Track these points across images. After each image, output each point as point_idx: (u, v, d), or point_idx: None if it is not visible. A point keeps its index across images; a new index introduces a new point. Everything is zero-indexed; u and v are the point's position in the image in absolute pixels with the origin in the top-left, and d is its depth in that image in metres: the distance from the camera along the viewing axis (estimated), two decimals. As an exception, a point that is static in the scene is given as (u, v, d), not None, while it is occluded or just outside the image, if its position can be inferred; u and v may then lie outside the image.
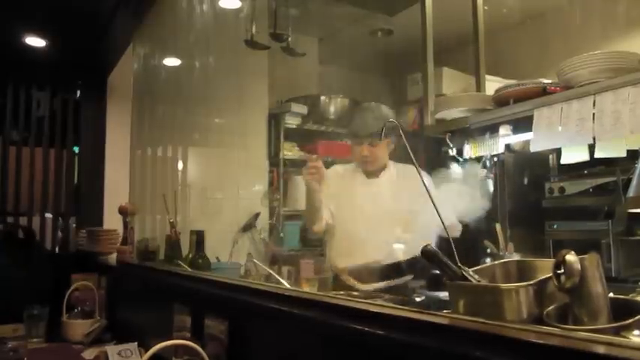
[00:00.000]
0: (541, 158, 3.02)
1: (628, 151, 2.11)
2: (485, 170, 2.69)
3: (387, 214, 2.29)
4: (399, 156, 2.47)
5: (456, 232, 2.12)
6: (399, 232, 2.24)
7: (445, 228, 1.13)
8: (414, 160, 1.27)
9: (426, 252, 0.97)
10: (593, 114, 1.87)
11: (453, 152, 2.88)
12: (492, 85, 2.89)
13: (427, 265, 1.10)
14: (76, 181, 4.20)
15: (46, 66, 3.98)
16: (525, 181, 3.05)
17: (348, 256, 2.32)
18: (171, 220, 2.42)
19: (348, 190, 2.42)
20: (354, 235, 2.30)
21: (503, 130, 2.56)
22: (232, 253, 2.83)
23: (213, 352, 1.39)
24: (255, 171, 3.84)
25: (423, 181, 1.19)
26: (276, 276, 1.94)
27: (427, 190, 1.19)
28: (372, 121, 2.28)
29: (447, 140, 2.85)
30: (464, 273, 0.96)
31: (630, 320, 0.75)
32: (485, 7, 3.08)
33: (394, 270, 2.23)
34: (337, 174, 2.46)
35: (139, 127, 3.75)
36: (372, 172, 2.41)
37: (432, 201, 1.15)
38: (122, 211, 2.83)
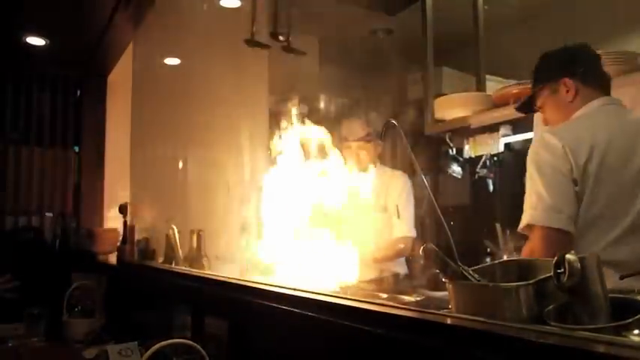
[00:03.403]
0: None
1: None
2: (485, 170, 2.70)
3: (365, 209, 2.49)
4: (389, 157, 2.58)
5: (405, 248, 2.46)
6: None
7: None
8: (414, 160, 1.27)
9: (426, 251, 0.97)
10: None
11: (452, 152, 2.89)
12: (492, 85, 2.90)
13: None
14: (76, 180, 4.21)
15: (46, 65, 3.98)
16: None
17: None
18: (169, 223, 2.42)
19: None
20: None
21: (504, 129, 2.56)
22: (233, 253, 2.83)
23: (214, 352, 1.39)
24: (255, 170, 3.83)
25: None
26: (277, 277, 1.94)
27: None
28: (359, 128, 2.51)
29: (447, 140, 2.86)
30: (464, 272, 0.96)
31: (630, 320, 0.75)
32: (486, 7, 3.08)
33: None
34: None
35: (139, 126, 3.75)
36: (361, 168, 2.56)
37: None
38: (122, 211, 2.83)
